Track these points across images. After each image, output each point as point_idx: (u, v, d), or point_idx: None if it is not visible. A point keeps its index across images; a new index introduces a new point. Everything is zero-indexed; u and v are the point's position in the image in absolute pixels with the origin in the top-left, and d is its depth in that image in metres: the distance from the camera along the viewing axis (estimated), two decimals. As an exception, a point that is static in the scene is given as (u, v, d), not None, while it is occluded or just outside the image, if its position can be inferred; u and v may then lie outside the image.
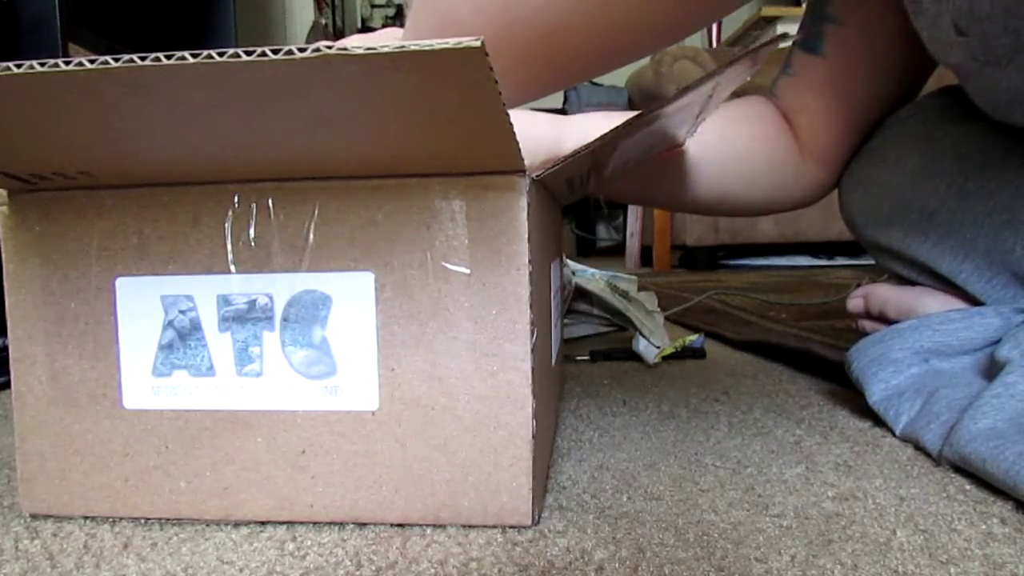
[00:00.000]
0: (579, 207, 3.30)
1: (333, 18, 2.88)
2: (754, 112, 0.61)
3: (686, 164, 0.57)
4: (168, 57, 0.16)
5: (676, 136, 0.44)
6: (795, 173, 0.60)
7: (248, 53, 0.16)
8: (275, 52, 0.16)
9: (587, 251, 3.37)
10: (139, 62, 0.16)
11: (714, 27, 3.27)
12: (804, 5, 0.61)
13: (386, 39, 0.50)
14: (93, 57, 0.17)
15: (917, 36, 0.46)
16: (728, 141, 0.59)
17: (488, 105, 0.20)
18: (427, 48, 0.16)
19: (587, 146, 0.28)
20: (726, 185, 0.59)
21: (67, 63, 0.17)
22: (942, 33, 0.42)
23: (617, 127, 0.28)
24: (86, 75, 0.17)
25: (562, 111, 3.04)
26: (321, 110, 0.21)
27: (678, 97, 0.30)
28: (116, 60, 0.17)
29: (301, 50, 0.16)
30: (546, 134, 0.49)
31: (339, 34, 2.88)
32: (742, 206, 0.62)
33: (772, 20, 2.96)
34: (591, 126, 0.53)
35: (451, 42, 0.16)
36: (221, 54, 0.16)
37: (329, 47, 0.16)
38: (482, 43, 0.15)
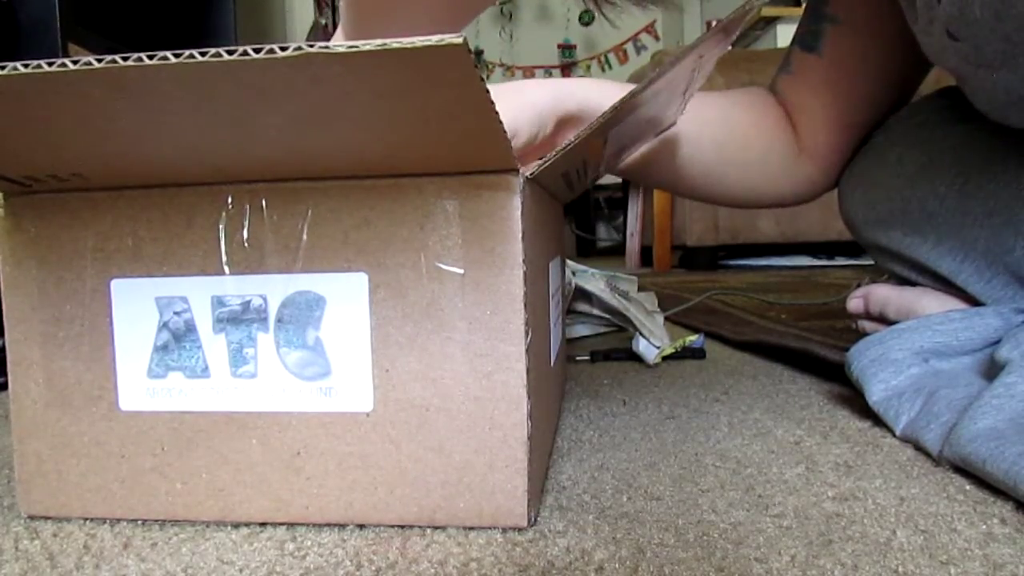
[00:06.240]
0: (579, 207, 3.30)
1: (333, 18, 2.88)
2: (756, 102, 0.61)
3: (685, 142, 0.57)
4: (150, 57, 0.16)
5: (666, 116, 0.44)
6: (790, 167, 0.60)
7: (230, 52, 0.16)
8: (256, 51, 0.16)
9: (587, 251, 3.37)
10: (121, 62, 0.16)
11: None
12: (804, 4, 0.61)
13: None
14: (77, 58, 0.16)
15: (915, 37, 0.46)
16: (728, 123, 0.59)
17: (475, 103, 0.20)
18: (408, 46, 0.16)
19: (577, 136, 0.28)
20: (721, 167, 0.59)
21: (50, 64, 0.17)
22: (935, 38, 0.42)
23: (604, 113, 0.28)
24: (69, 76, 0.17)
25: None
26: (307, 109, 0.21)
27: (659, 76, 0.29)
28: (99, 61, 0.16)
29: (283, 48, 0.16)
30: (542, 96, 0.48)
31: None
32: (736, 193, 0.62)
33: (772, 20, 2.96)
34: (591, 84, 0.52)
35: (433, 39, 0.15)
36: (203, 54, 0.16)
37: (311, 46, 0.16)
38: (463, 40, 0.15)
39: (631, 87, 0.39)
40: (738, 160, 0.59)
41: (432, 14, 0.38)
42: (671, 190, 0.66)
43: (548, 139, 0.49)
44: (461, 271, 0.28)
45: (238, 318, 0.29)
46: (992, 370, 0.39)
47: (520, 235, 0.27)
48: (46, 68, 0.17)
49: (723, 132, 0.58)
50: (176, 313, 0.30)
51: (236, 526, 0.30)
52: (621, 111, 0.30)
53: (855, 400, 0.46)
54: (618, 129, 0.34)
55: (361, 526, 0.29)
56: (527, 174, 0.28)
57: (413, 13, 0.38)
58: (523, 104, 0.47)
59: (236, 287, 0.29)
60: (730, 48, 0.40)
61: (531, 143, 0.48)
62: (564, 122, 0.50)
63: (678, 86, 0.36)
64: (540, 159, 0.29)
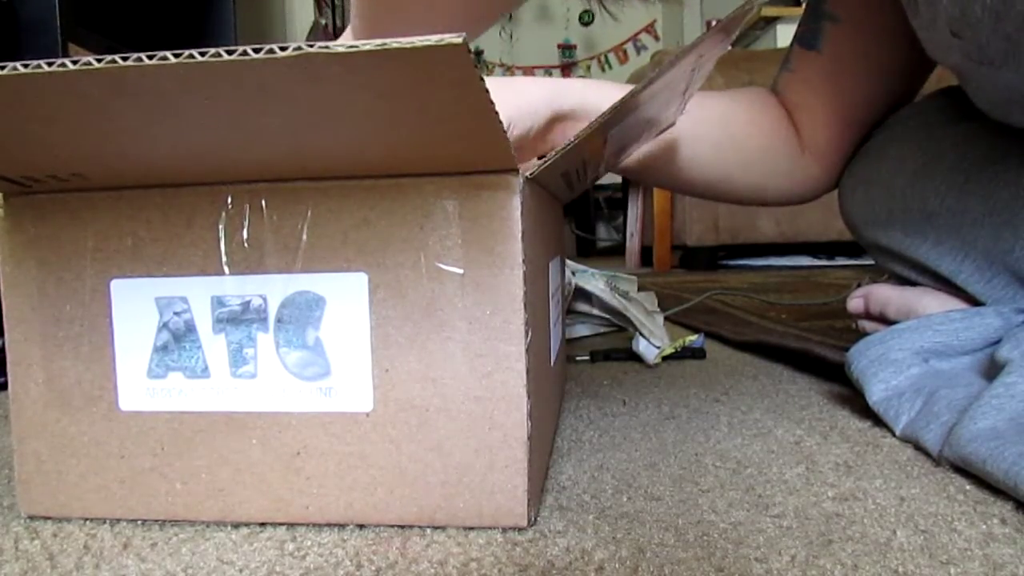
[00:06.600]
0: (579, 207, 3.30)
1: (333, 18, 2.88)
2: (756, 101, 0.61)
3: (685, 142, 0.57)
4: (150, 57, 0.16)
5: (666, 116, 0.44)
6: (793, 165, 0.60)
7: (230, 52, 0.16)
8: (256, 51, 0.16)
9: (587, 251, 3.37)
10: (121, 62, 0.16)
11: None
12: (804, 3, 0.61)
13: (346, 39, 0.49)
14: (77, 57, 0.16)
15: (915, 35, 0.46)
16: (728, 124, 0.59)
17: (475, 103, 0.20)
18: (408, 46, 0.16)
19: (577, 136, 0.28)
20: (723, 167, 0.59)
21: (50, 64, 0.17)
22: (938, 35, 0.42)
23: (604, 114, 0.28)
24: (69, 76, 0.17)
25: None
26: (308, 109, 0.21)
27: (658, 76, 0.29)
28: (99, 61, 0.16)
29: (282, 48, 0.16)
30: (538, 92, 0.49)
31: (339, 34, 2.88)
32: (739, 192, 0.62)
33: (772, 20, 2.96)
34: (589, 85, 0.52)
35: (433, 39, 0.15)
36: (203, 53, 0.16)
37: (311, 46, 0.16)
38: (464, 40, 0.15)
39: (629, 88, 0.39)
40: (740, 160, 0.59)
41: (445, 25, 0.38)
42: (674, 189, 0.66)
43: (540, 134, 0.49)
44: (461, 271, 0.28)
45: (238, 318, 0.29)
46: (992, 370, 0.39)
47: (520, 235, 0.27)
48: (46, 68, 0.17)
49: (724, 133, 0.58)
50: (176, 313, 0.30)
51: (236, 526, 0.30)
52: (621, 111, 0.30)
53: (855, 400, 0.46)
54: (618, 129, 0.34)
55: (361, 526, 0.29)
56: (527, 174, 0.28)
57: (423, 24, 0.38)
58: (519, 99, 0.47)
59: (236, 287, 0.29)
60: (730, 48, 0.40)
61: (524, 137, 0.48)
62: (558, 120, 0.50)
63: (678, 86, 0.36)
64: (540, 159, 0.29)
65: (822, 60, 0.57)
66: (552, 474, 0.35)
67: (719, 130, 0.58)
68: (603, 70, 4.36)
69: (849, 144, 0.59)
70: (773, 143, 0.59)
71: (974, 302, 0.48)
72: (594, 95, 0.50)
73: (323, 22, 2.72)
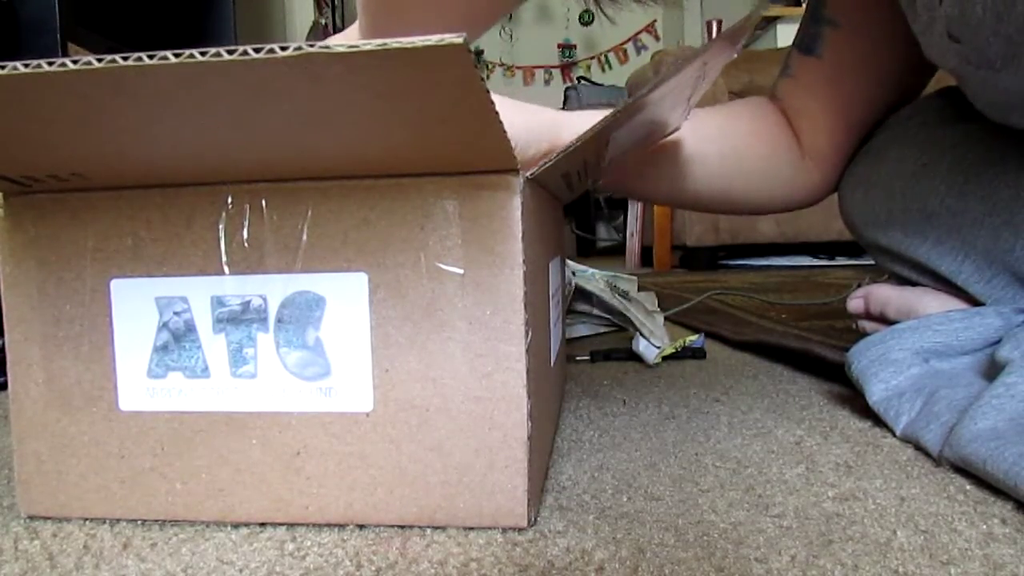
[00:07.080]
0: (579, 207, 3.30)
1: (333, 18, 2.88)
2: (756, 111, 0.61)
3: (685, 158, 0.57)
4: (150, 57, 0.16)
5: (669, 121, 0.44)
6: (794, 172, 0.60)
7: (230, 52, 0.16)
8: (257, 51, 0.16)
9: (587, 251, 3.37)
10: (121, 62, 0.16)
11: (714, 27, 3.27)
12: (804, 5, 0.61)
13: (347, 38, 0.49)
14: (77, 57, 0.16)
15: (915, 39, 0.46)
16: (728, 137, 0.59)
17: (476, 103, 0.20)
18: (408, 46, 0.16)
19: (579, 138, 0.28)
20: (725, 180, 0.59)
21: (50, 64, 0.17)
22: (935, 38, 0.42)
23: (606, 117, 0.28)
24: (69, 76, 0.17)
25: (563, 111, 3.02)
26: (308, 109, 0.21)
27: (662, 82, 0.29)
28: (99, 61, 0.16)
29: (283, 48, 0.16)
30: (543, 121, 0.49)
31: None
32: (740, 203, 0.62)
33: (772, 20, 2.96)
34: (588, 119, 0.52)
35: (433, 39, 0.15)
36: (203, 53, 0.16)
37: (311, 46, 0.16)
38: (464, 40, 0.15)
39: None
40: (742, 170, 0.59)
41: (446, 25, 0.38)
42: (676, 206, 0.66)
43: (536, 159, 0.49)
44: (461, 271, 0.28)
45: (238, 318, 0.29)
46: (992, 370, 0.39)
47: (520, 235, 0.27)
48: (46, 68, 0.17)
49: (727, 145, 0.58)
50: (176, 313, 0.30)
51: (236, 526, 0.30)
52: (622, 115, 0.30)
53: (855, 400, 0.46)
54: (621, 132, 0.34)
55: (361, 526, 0.29)
56: (527, 174, 0.28)
57: (425, 25, 0.39)
58: (521, 125, 0.47)
59: (236, 287, 0.29)
60: (736, 56, 0.40)
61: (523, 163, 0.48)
62: (554, 151, 0.50)
63: (683, 92, 0.36)
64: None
65: (822, 66, 0.57)
66: (552, 474, 0.35)
67: (721, 143, 0.58)
68: (603, 70, 4.37)
69: (850, 148, 0.59)
70: (775, 151, 0.59)
71: (974, 302, 0.48)
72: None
73: (323, 22, 2.72)
